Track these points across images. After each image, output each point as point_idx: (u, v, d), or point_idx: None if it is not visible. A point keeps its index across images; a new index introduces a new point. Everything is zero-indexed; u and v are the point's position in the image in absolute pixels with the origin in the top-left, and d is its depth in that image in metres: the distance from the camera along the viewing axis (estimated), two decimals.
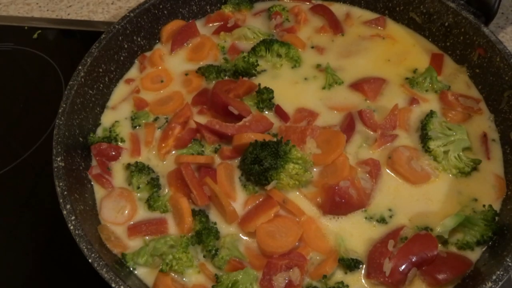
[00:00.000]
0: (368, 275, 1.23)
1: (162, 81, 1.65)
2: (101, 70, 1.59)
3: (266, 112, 1.53)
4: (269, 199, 1.32)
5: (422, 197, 1.36)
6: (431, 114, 1.45)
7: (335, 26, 1.77)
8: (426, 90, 1.57)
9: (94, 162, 1.49)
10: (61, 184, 1.29)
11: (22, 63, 2.05)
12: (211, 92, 1.50)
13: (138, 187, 1.41)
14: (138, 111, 1.58)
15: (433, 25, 1.69)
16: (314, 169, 1.38)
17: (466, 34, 1.58)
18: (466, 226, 1.27)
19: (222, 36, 1.77)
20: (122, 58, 1.68)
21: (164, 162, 1.46)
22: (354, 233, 1.31)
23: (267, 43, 1.65)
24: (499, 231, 1.27)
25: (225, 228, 1.33)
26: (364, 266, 1.25)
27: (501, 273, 1.12)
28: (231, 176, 1.37)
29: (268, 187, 1.32)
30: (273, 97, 1.51)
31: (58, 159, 1.33)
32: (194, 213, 1.33)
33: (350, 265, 1.23)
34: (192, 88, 1.62)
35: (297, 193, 1.36)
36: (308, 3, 1.87)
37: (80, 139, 1.49)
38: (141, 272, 1.28)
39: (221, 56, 1.72)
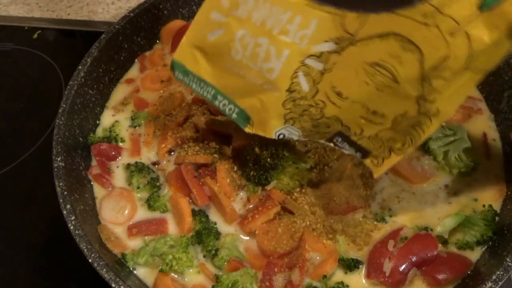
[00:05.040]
0: (368, 275, 1.23)
1: (162, 81, 1.65)
2: (101, 70, 1.59)
3: None
4: (269, 199, 1.32)
5: (422, 197, 1.36)
6: None
7: None
8: None
9: (94, 162, 1.49)
10: (61, 184, 1.29)
11: (22, 63, 2.05)
12: None
13: (138, 187, 1.41)
14: (138, 111, 1.58)
15: None
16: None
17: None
18: (466, 226, 1.27)
19: None
20: (122, 58, 1.68)
21: (164, 162, 1.46)
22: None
23: None
24: (499, 231, 1.27)
25: (225, 228, 1.33)
26: (364, 266, 1.26)
27: (501, 273, 1.12)
28: (231, 176, 1.37)
29: (268, 187, 1.32)
30: None
31: (58, 159, 1.33)
32: (194, 213, 1.33)
33: (350, 265, 1.23)
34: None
35: (297, 193, 1.36)
36: None
37: (80, 139, 1.49)
38: (141, 272, 1.29)
39: None
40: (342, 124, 1.13)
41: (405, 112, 1.06)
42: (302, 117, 1.15)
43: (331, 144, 1.20)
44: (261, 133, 1.19)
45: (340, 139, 1.17)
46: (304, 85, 1.10)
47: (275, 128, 1.17)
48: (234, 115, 1.21)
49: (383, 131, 1.10)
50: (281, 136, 1.19)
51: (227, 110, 1.21)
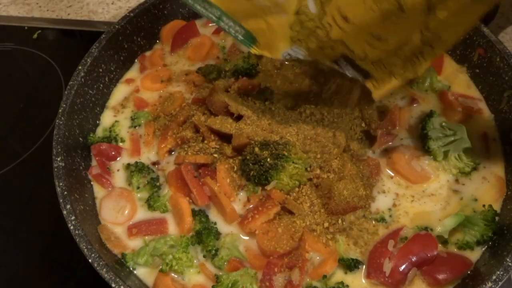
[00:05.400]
0: (368, 275, 1.23)
1: (162, 81, 1.65)
2: (101, 70, 1.59)
3: None
4: (269, 199, 1.32)
5: (422, 197, 1.36)
6: (431, 114, 1.45)
7: None
8: (426, 90, 1.57)
9: (94, 162, 1.49)
10: (61, 184, 1.29)
11: (22, 63, 2.05)
12: (210, 91, 1.50)
13: (138, 187, 1.41)
14: (138, 111, 1.58)
15: None
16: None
17: (466, 34, 1.58)
18: (466, 226, 1.28)
19: (222, 36, 1.77)
20: (122, 58, 1.68)
21: (164, 162, 1.46)
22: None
23: None
24: (499, 231, 1.27)
25: (225, 228, 1.33)
26: (364, 266, 1.26)
27: (501, 273, 1.12)
28: (231, 176, 1.37)
29: (268, 187, 1.32)
30: (273, 97, 1.50)
31: (58, 159, 1.33)
32: (194, 213, 1.33)
33: (350, 265, 1.24)
34: (192, 88, 1.62)
35: (297, 193, 1.36)
36: None
37: (80, 139, 1.49)
38: (141, 272, 1.29)
39: (221, 56, 1.72)
40: (346, 47, 1.14)
41: (408, 39, 1.07)
42: (309, 38, 1.16)
43: (335, 66, 1.21)
44: (267, 54, 1.21)
45: (343, 61, 1.18)
46: (312, 7, 1.11)
47: (282, 49, 1.19)
48: (239, 37, 1.22)
49: (386, 56, 1.12)
50: (287, 56, 1.20)
51: (232, 31, 1.22)
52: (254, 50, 1.21)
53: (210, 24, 1.83)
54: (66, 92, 1.46)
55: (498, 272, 1.12)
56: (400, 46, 1.09)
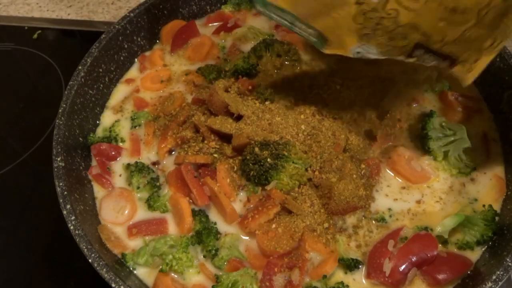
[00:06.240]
0: (368, 275, 1.23)
1: (162, 81, 1.65)
2: (101, 70, 1.59)
3: None
4: (269, 199, 1.32)
5: (422, 197, 1.36)
6: (431, 114, 1.45)
7: None
8: (426, 90, 1.57)
9: (94, 162, 1.49)
10: (61, 184, 1.29)
11: (22, 63, 2.05)
12: (210, 91, 1.50)
13: (138, 187, 1.41)
14: (138, 111, 1.59)
15: None
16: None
17: None
18: (466, 226, 1.28)
19: (222, 36, 1.77)
20: (122, 58, 1.68)
21: (164, 162, 1.46)
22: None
23: (267, 43, 1.64)
24: (499, 231, 1.27)
25: (225, 228, 1.33)
26: (364, 266, 1.26)
27: (501, 273, 1.12)
28: (231, 176, 1.37)
29: (268, 187, 1.32)
30: (273, 97, 1.51)
31: (58, 159, 1.33)
32: (194, 213, 1.33)
33: (350, 265, 1.24)
34: (192, 88, 1.62)
35: (297, 193, 1.36)
36: None
37: (80, 139, 1.49)
38: (141, 272, 1.29)
39: (221, 56, 1.72)
40: (420, 33, 1.06)
41: (489, 1, 0.96)
42: (376, 32, 1.11)
43: (412, 60, 1.14)
44: (338, 52, 1.18)
45: (421, 52, 1.11)
46: None
47: (350, 45, 1.15)
48: (313, 39, 1.20)
49: (468, 30, 1.02)
50: (358, 55, 1.17)
51: (305, 34, 1.21)
52: (327, 50, 1.19)
53: (210, 24, 1.83)
54: (66, 92, 1.46)
55: (498, 272, 1.12)
56: (481, 12, 0.97)
